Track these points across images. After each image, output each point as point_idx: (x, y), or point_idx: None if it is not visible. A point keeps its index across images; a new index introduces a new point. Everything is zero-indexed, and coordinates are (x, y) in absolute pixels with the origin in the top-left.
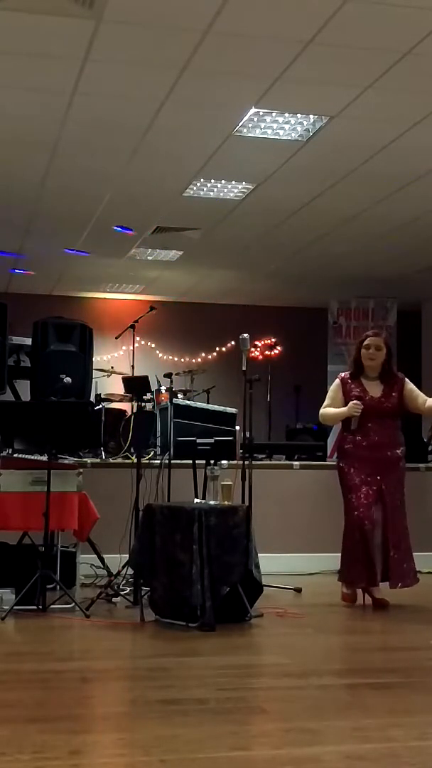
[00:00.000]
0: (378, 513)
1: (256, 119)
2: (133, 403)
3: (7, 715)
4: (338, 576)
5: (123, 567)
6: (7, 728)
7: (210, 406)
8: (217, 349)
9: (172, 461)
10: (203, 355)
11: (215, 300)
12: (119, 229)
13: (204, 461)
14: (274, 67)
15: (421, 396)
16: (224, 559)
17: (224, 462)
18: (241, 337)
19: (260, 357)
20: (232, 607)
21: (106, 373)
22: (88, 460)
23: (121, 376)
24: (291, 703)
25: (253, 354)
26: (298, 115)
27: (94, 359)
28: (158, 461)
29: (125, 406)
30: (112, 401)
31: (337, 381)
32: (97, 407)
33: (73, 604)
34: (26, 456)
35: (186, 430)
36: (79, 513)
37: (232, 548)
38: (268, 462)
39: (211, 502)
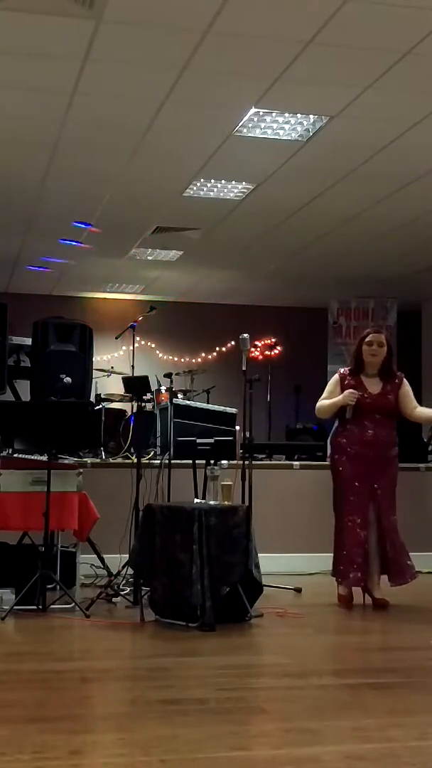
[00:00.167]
0: (371, 512)
1: (256, 119)
2: (133, 403)
3: (7, 715)
4: (331, 572)
5: (123, 567)
6: (7, 728)
7: (210, 406)
8: (217, 349)
9: (172, 461)
10: (203, 355)
11: (215, 300)
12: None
13: (204, 461)
14: (274, 67)
15: (413, 402)
16: (224, 559)
17: (224, 462)
18: (241, 337)
19: (260, 357)
20: (232, 607)
21: (106, 373)
22: (88, 460)
23: (121, 376)
24: (291, 703)
25: (253, 354)
26: (298, 115)
27: (94, 359)
28: (158, 461)
29: (125, 406)
30: (112, 401)
31: (336, 376)
32: (97, 407)
33: (73, 604)
34: (26, 456)
35: (186, 430)
36: (79, 513)
37: (232, 548)
38: (268, 462)
39: (211, 502)
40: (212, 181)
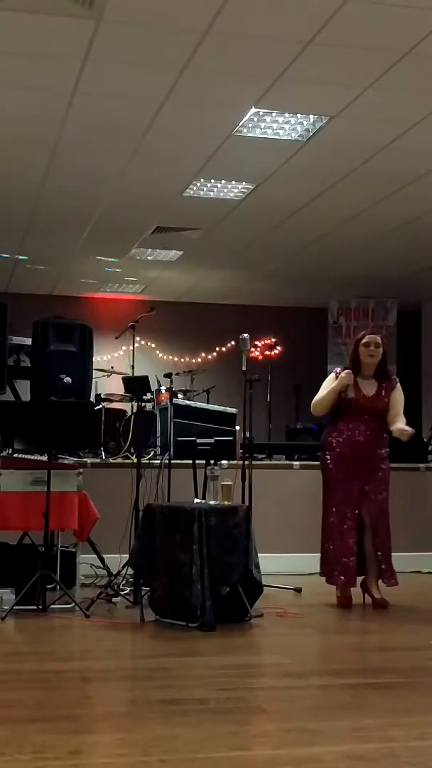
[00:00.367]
0: (365, 513)
1: (256, 119)
2: (133, 403)
3: (7, 715)
4: (320, 572)
5: (123, 567)
6: (7, 728)
7: (210, 406)
8: (217, 349)
9: (172, 461)
10: (203, 355)
11: (215, 300)
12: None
13: (204, 461)
14: (274, 67)
15: (396, 408)
16: (224, 559)
17: (224, 462)
18: (241, 337)
19: (260, 357)
20: (232, 607)
21: (106, 373)
22: (88, 460)
23: (121, 376)
24: (291, 703)
25: (253, 354)
26: (298, 115)
27: (94, 359)
28: (158, 461)
29: (125, 406)
30: (112, 401)
31: (332, 375)
32: (97, 407)
33: (73, 604)
34: (26, 456)
35: (186, 430)
36: (79, 513)
37: (232, 548)
38: (268, 462)
39: (211, 502)
40: (212, 181)
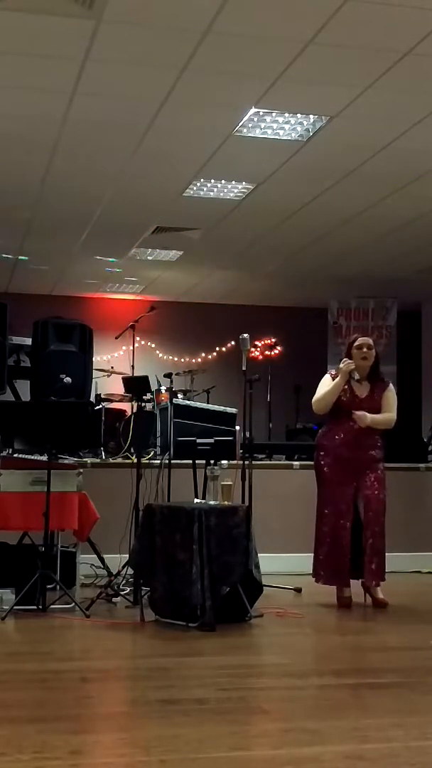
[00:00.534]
0: (362, 514)
1: (256, 119)
2: (133, 403)
3: (7, 715)
4: (312, 573)
5: (123, 567)
6: (7, 728)
7: (210, 406)
8: (217, 349)
9: (172, 461)
10: (203, 355)
11: (215, 300)
12: None
13: (204, 461)
14: (274, 67)
15: (387, 408)
16: (224, 559)
17: (224, 462)
18: (241, 337)
19: (260, 357)
20: (232, 607)
21: (106, 373)
22: (88, 460)
23: (121, 376)
24: (291, 703)
25: (253, 354)
26: (298, 115)
27: (94, 359)
28: (158, 461)
29: (125, 406)
30: (112, 401)
31: (327, 376)
32: (97, 407)
33: (73, 604)
34: (26, 456)
35: (186, 430)
36: (79, 513)
37: (232, 548)
38: (268, 462)
39: (211, 502)
40: (212, 181)
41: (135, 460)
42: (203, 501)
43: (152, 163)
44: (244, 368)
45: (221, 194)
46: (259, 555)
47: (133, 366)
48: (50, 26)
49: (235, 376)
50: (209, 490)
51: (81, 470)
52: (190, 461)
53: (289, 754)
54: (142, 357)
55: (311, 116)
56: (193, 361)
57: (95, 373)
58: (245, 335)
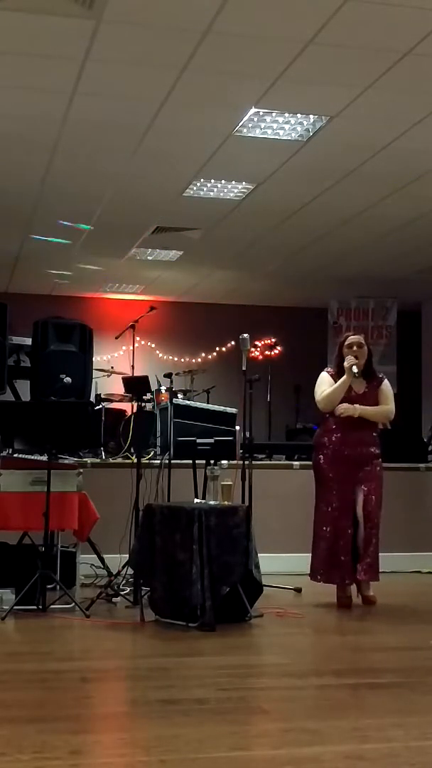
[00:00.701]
0: (358, 511)
1: (256, 119)
2: (133, 403)
3: (7, 715)
4: (309, 573)
5: (123, 567)
6: (7, 728)
7: (210, 406)
8: (217, 349)
9: (172, 461)
10: (203, 355)
11: (215, 300)
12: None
13: (204, 461)
14: (274, 67)
15: (384, 401)
16: (224, 559)
17: (224, 462)
18: (241, 337)
19: (260, 357)
20: (232, 607)
21: (106, 373)
22: (88, 460)
23: (121, 376)
24: (291, 703)
25: (253, 354)
26: (298, 115)
27: (94, 359)
28: (158, 461)
29: (125, 406)
30: (112, 401)
31: (326, 374)
32: (97, 407)
33: (73, 604)
34: (26, 456)
35: (186, 430)
36: (79, 513)
37: (232, 548)
38: (268, 462)
39: (211, 502)
40: (212, 181)
41: (135, 460)
42: (203, 501)
43: (152, 163)
44: (244, 368)
45: (221, 194)
46: (259, 555)
47: (133, 366)
48: (50, 26)
49: (235, 376)
50: (209, 490)
51: (81, 470)
52: (190, 461)
53: (289, 754)
54: (142, 357)
55: (311, 116)
56: (193, 361)
57: (95, 373)
58: (245, 335)
